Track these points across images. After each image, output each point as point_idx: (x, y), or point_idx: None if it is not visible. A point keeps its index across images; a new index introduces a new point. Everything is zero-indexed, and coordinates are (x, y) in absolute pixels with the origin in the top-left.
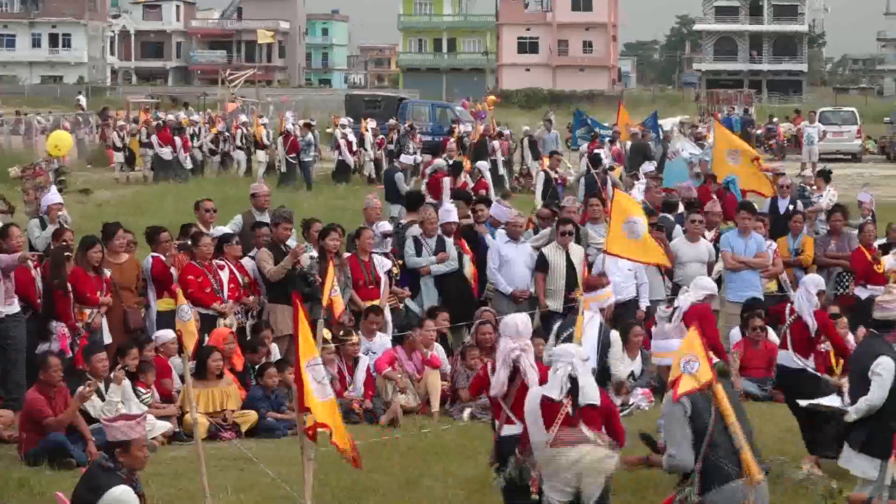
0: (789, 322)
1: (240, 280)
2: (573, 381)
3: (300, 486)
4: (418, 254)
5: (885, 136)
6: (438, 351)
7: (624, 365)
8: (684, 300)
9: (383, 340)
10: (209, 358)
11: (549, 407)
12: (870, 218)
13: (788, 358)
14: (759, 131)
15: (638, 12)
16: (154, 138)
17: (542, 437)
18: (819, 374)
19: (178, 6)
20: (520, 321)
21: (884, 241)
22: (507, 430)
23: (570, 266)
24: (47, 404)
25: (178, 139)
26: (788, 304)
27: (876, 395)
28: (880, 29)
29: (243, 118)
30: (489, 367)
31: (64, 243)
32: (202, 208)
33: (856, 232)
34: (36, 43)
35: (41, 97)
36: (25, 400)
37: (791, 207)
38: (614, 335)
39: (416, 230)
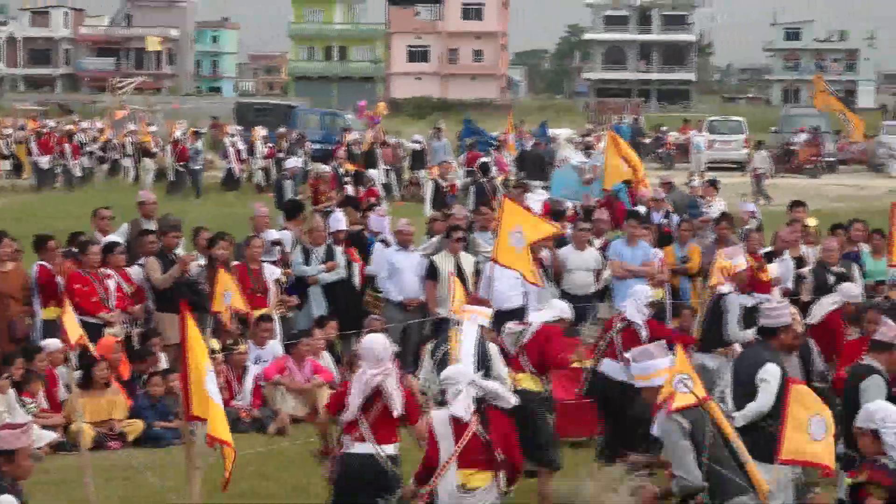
0: (618, 329)
1: (125, 289)
2: (478, 402)
3: (187, 495)
4: (307, 262)
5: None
6: (327, 360)
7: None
8: (537, 318)
9: (275, 348)
10: (95, 367)
11: (458, 426)
12: (755, 226)
13: (613, 367)
14: (647, 140)
15: (528, 21)
16: (33, 146)
17: (451, 451)
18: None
19: (66, 13)
20: (379, 347)
21: (770, 249)
22: (358, 448)
23: (460, 274)
24: None
25: (68, 146)
26: (617, 314)
27: (763, 401)
28: (768, 39)
29: (131, 126)
30: (348, 385)
31: None
32: (99, 216)
33: (741, 242)
34: None
35: None
36: None
37: (665, 221)
38: (493, 348)
39: (284, 234)
